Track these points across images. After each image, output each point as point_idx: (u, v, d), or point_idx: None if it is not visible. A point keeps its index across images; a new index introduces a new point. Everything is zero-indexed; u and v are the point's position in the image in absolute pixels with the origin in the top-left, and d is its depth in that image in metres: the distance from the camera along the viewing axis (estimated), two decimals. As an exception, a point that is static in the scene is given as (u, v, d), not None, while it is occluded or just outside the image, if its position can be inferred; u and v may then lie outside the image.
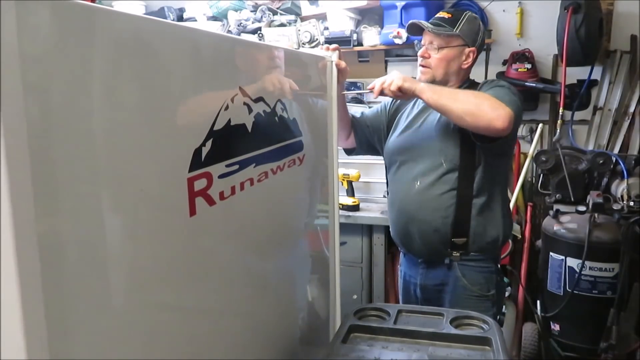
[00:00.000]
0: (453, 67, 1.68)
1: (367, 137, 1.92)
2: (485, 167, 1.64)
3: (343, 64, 1.61)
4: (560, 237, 2.36)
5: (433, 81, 1.70)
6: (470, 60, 1.70)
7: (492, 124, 1.48)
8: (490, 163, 1.64)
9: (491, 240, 1.68)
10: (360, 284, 2.74)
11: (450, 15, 1.69)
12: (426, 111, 1.74)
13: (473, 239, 1.65)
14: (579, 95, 2.72)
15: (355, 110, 2.02)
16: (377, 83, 1.59)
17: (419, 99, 1.77)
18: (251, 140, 1.06)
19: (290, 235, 1.34)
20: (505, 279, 2.45)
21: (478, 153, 1.62)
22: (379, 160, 2.82)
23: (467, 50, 1.68)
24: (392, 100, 1.91)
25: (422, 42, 1.72)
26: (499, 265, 1.74)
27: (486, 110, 1.48)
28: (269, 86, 1.13)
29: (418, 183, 1.66)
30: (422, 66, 1.71)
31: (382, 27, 2.86)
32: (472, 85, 1.76)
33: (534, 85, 2.70)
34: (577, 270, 2.27)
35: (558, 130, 2.71)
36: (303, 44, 2.91)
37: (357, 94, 1.66)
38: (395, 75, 1.56)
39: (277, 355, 1.30)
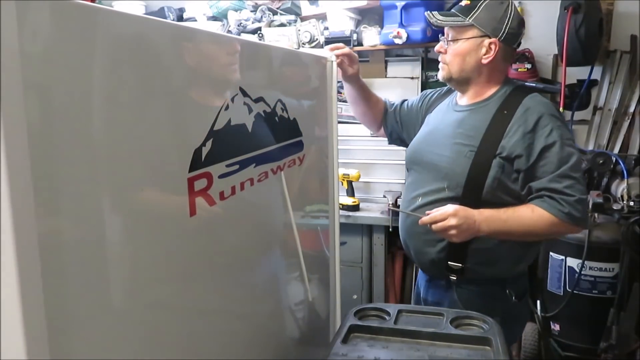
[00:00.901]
0: (470, 62, 1.46)
1: (397, 133, 1.81)
2: (495, 205, 1.40)
3: (354, 56, 1.62)
4: (560, 237, 2.36)
5: (450, 79, 1.52)
6: (492, 53, 1.44)
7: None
8: (505, 202, 1.41)
9: (492, 277, 1.47)
10: (360, 284, 2.74)
11: (468, 2, 1.46)
12: (447, 117, 1.55)
13: (471, 267, 1.45)
14: (579, 95, 2.72)
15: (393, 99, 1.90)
16: (434, 218, 1.37)
17: (447, 98, 1.64)
18: (251, 140, 1.06)
19: (290, 235, 1.34)
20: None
21: (489, 189, 1.41)
22: (379, 160, 2.84)
23: (487, 41, 1.43)
24: (430, 95, 1.74)
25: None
26: (508, 291, 1.49)
27: (560, 233, 1.51)
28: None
29: (420, 200, 1.51)
30: (441, 62, 1.53)
31: (382, 27, 2.86)
32: (516, 91, 1.47)
33: (534, 85, 2.69)
34: (577, 270, 2.27)
35: (558, 130, 2.70)
36: (303, 44, 2.90)
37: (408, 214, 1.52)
38: (452, 226, 1.34)
39: (277, 355, 1.30)
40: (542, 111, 1.39)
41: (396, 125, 1.80)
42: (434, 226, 1.37)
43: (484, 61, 1.45)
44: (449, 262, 1.45)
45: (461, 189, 1.42)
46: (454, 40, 1.47)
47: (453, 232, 1.35)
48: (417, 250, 1.55)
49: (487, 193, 1.40)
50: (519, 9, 2.76)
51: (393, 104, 1.83)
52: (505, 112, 1.42)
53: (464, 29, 1.45)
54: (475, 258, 1.44)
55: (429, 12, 1.51)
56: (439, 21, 1.48)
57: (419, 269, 1.70)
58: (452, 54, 1.48)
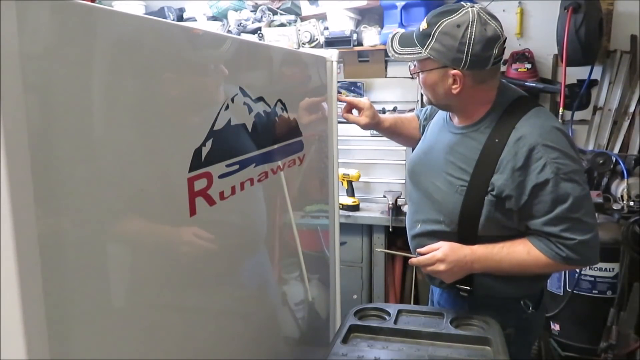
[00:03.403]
0: (440, 93, 1.31)
1: None
2: (494, 239, 1.30)
3: (359, 104, 1.59)
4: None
5: (432, 104, 1.41)
6: (458, 84, 1.26)
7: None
8: (503, 236, 1.31)
9: (505, 297, 1.36)
10: (360, 284, 2.74)
11: (426, 27, 1.27)
12: (442, 136, 1.42)
13: (480, 290, 1.35)
14: (579, 95, 2.72)
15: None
16: (421, 262, 1.31)
17: (440, 113, 1.51)
18: (251, 140, 1.06)
19: (290, 235, 1.34)
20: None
21: (483, 227, 1.29)
22: (379, 160, 2.84)
23: (451, 72, 1.26)
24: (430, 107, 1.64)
25: None
26: (521, 302, 1.38)
27: (559, 271, 1.28)
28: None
29: (419, 226, 1.42)
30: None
31: (382, 27, 2.86)
32: (511, 110, 1.30)
33: (534, 85, 2.70)
34: (577, 270, 2.27)
35: (558, 130, 2.70)
36: (303, 44, 2.90)
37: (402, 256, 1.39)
38: (441, 271, 1.28)
39: (278, 355, 1.30)
40: (535, 141, 1.22)
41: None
42: (422, 269, 1.33)
43: (454, 92, 1.28)
44: (457, 285, 1.36)
45: (456, 225, 1.32)
46: (420, 71, 1.33)
47: (443, 276, 1.30)
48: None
49: (482, 230, 1.30)
50: (518, 9, 2.80)
51: (421, 112, 1.73)
52: (497, 140, 1.27)
53: (424, 60, 1.30)
54: (483, 284, 1.35)
55: (390, 41, 1.36)
56: (396, 55, 1.33)
57: None
58: (422, 84, 1.36)
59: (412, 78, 1.43)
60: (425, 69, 1.30)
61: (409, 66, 1.38)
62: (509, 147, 1.24)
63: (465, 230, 1.31)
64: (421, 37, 1.27)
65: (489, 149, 1.27)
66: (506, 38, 1.29)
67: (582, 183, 1.24)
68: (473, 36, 1.22)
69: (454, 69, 1.25)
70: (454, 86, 1.27)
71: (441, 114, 1.49)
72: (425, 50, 1.26)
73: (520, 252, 1.27)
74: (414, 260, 1.34)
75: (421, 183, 1.43)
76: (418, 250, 1.34)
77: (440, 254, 1.27)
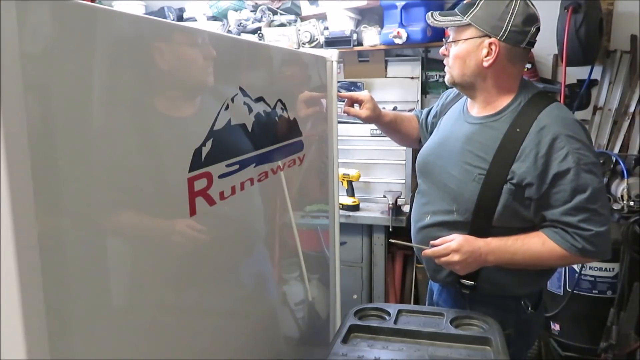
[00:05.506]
0: (470, 65, 1.32)
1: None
2: (507, 230, 1.31)
3: (360, 97, 1.60)
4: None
5: (454, 83, 1.40)
6: (492, 55, 1.29)
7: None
8: (517, 228, 1.31)
9: (506, 294, 1.37)
10: (360, 284, 2.74)
11: (469, 0, 1.33)
12: (457, 128, 1.42)
13: (484, 286, 1.35)
14: (579, 95, 2.72)
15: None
16: (436, 253, 1.31)
17: (459, 103, 1.51)
18: (251, 140, 1.06)
19: (290, 235, 1.34)
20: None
21: (499, 216, 1.29)
22: (379, 160, 2.84)
23: (487, 42, 1.29)
24: (447, 96, 1.64)
25: None
26: (523, 302, 1.39)
27: (572, 264, 1.29)
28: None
29: (428, 218, 1.41)
30: (446, 66, 1.42)
31: (382, 27, 2.86)
32: (533, 102, 1.32)
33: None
34: (577, 270, 2.27)
35: (558, 130, 2.69)
36: (303, 44, 2.91)
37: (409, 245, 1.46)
38: (456, 262, 1.28)
39: (278, 355, 1.30)
40: (558, 131, 1.24)
41: (428, 136, 1.66)
42: (436, 260, 1.32)
43: (485, 64, 1.30)
44: (461, 280, 1.36)
45: (470, 214, 1.32)
46: (455, 41, 1.35)
47: (457, 267, 1.29)
48: (430, 267, 1.46)
49: (497, 220, 1.30)
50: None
51: (421, 113, 1.74)
52: (518, 130, 1.28)
53: (463, 29, 1.33)
54: (489, 278, 1.35)
55: (430, 12, 1.40)
56: (436, 21, 1.37)
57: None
58: (452, 57, 1.36)
59: (442, 60, 1.43)
60: (462, 37, 1.33)
61: (444, 47, 1.40)
62: (531, 136, 1.26)
63: (480, 219, 1.31)
64: (464, 7, 1.33)
65: (510, 138, 1.29)
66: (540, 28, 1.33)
67: (600, 176, 1.27)
68: (517, 8, 1.28)
69: (491, 38, 1.29)
70: (487, 57, 1.30)
71: (456, 107, 1.50)
72: (466, 17, 1.31)
73: (535, 243, 1.28)
74: (428, 251, 1.33)
75: (433, 174, 1.44)
76: (431, 242, 1.33)
77: (455, 244, 1.28)
